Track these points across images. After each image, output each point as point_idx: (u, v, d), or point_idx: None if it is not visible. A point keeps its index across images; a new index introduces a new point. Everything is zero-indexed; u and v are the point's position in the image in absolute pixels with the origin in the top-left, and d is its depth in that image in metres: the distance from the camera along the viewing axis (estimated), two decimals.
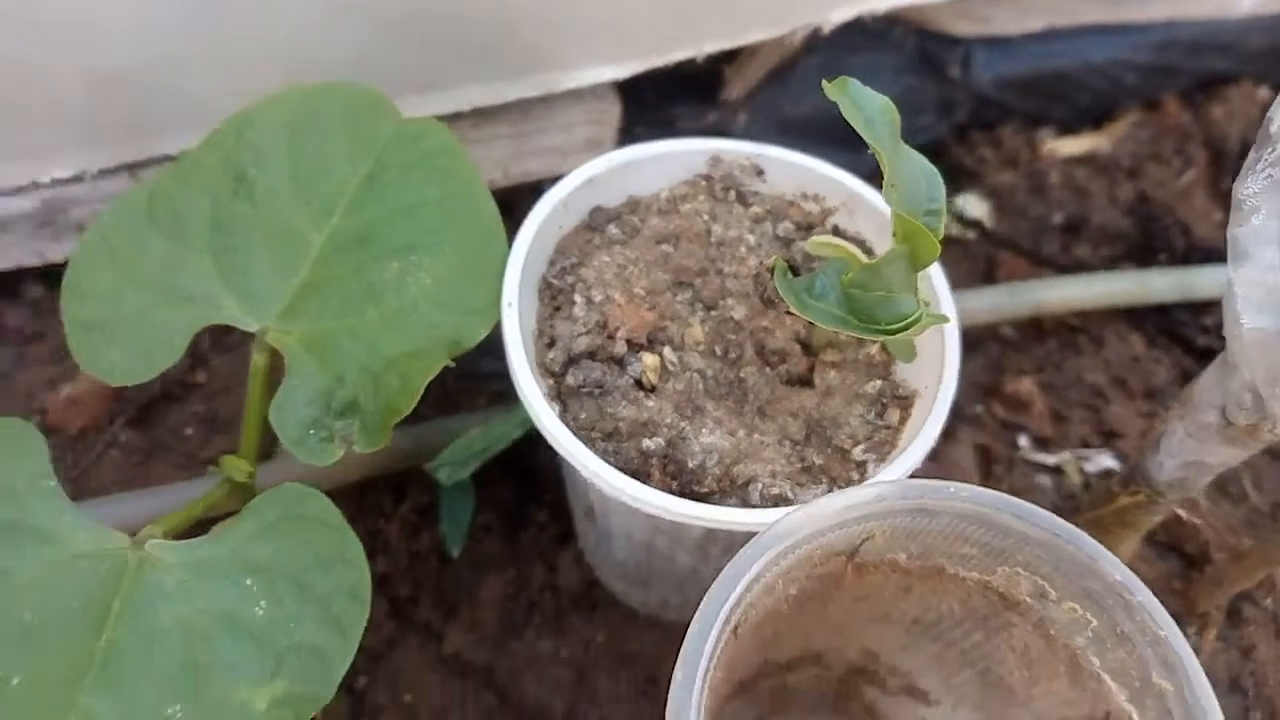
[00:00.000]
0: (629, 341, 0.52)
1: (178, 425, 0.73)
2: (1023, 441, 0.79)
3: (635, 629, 0.69)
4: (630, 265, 0.54)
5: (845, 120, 0.82)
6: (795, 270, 0.54)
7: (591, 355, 0.51)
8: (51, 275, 0.76)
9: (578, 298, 0.53)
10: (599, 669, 0.67)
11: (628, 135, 0.80)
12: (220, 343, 0.77)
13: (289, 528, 0.46)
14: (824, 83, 0.44)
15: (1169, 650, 0.41)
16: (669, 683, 0.68)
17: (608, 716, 0.66)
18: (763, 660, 0.59)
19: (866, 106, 0.44)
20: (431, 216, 0.52)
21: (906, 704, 0.60)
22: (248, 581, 0.44)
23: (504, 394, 0.74)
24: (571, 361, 0.52)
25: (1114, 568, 0.43)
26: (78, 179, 0.67)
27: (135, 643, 0.43)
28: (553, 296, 0.55)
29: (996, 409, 0.80)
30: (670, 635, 0.69)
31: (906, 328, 0.43)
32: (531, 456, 0.73)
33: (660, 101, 0.82)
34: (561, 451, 0.48)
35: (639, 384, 0.51)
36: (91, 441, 0.72)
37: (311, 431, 0.48)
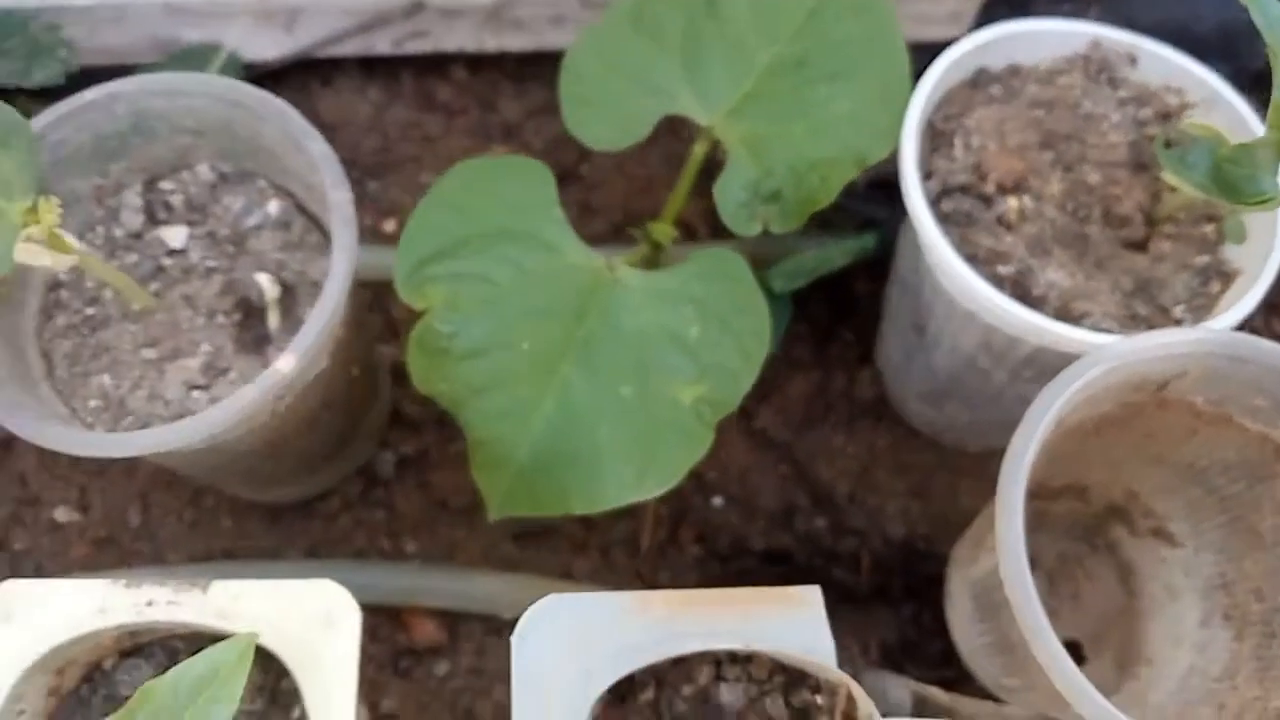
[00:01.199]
0: (998, 184, 0.62)
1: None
2: None
3: (914, 445, 0.81)
4: (1006, 121, 0.64)
5: (1190, 34, 0.88)
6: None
7: (964, 190, 0.62)
8: (476, 62, 0.92)
9: (958, 141, 0.64)
10: (879, 468, 0.80)
11: (986, 14, 0.88)
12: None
13: (718, 277, 0.59)
14: None
15: None
16: (937, 493, 0.80)
17: (883, 505, 0.78)
18: (1038, 482, 0.70)
19: (1271, 13, 0.52)
20: (856, 52, 0.63)
21: (1151, 545, 0.70)
22: (688, 310, 0.58)
23: (833, 223, 0.85)
24: (945, 193, 0.63)
25: None
26: None
27: (604, 336, 0.58)
28: (934, 137, 0.65)
29: (1277, 324, 0.86)
30: (942, 456, 0.80)
31: (1264, 202, 0.51)
32: (850, 284, 0.85)
33: None
34: (936, 257, 0.59)
35: (1000, 220, 0.62)
36: None
37: (743, 209, 0.61)
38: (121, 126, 0.61)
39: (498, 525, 0.75)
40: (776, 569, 0.75)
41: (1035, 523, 0.74)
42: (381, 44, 0.86)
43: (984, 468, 0.80)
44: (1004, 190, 0.62)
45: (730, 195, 0.61)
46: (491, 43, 0.87)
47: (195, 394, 0.58)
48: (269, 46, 0.85)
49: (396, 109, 0.89)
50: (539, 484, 0.57)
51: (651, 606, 0.51)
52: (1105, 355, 0.52)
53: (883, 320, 0.80)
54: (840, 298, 0.85)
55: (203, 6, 0.81)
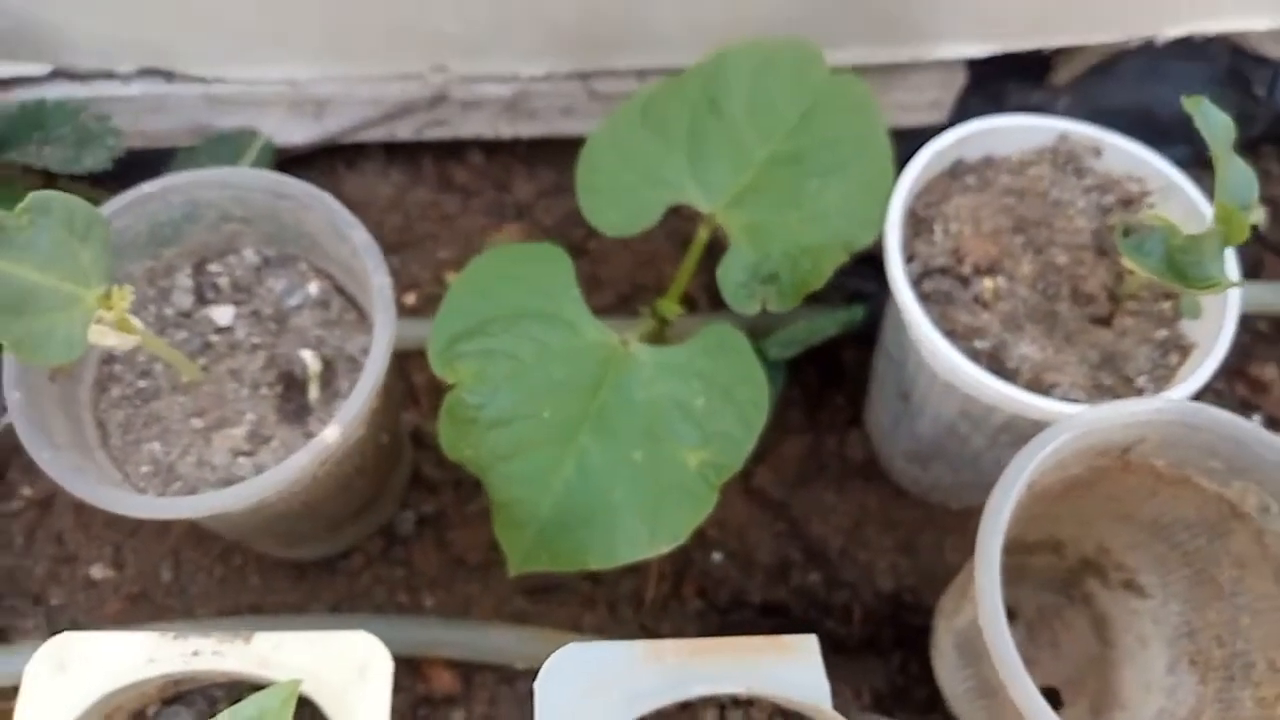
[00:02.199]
0: (975, 266, 0.68)
1: None
2: (1256, 419, 0.91)
3: (902, 503, 0.86)
4: (981, 208, 0.71)
5: (1154, 118, 0.95)
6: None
7: (944, 271, 0.68)
8: (491, 147, 0.99)
9: (937, 227, 0.70)
10: (869, 524, 0.85)
11: (962, 104, 0.95)
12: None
13: (722, 352, 0.65)
14: (1184, 99, 0.58)
15: None
16: (923, 548, 0.85)
17: (873, 560, 0.84)
18: (1015, 538, 0.75)
19: (1213, 121, 0.58)
20: (845, 149, 0.69)
21: (1122, 596, 0.75)
22: (694, 382, 0.64)
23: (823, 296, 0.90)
24: (926, 274, 0.69)
25: None
26: (545, 79, 0.88)
27: (618, 406, 0.63)
28: (916, 223, 0.71)
29: (1239, 388, 0.92)
30: (930, 514, 0.86)
31: (1211, 286, 0.58)
32: (839, 352, 0.90)
33: (995, 77, 0.96)
34: (918, 333, 0.65)
35: (977, 299, 0.68)
36: None
37: (742, 289, 0.67)
38: (175, 215, 0.67)
39: (510, 581, 0.80)
40: (773, 620, 0.80)
41: (1015, 576, 0.79)
42: (404, 131, 0.92)
43: (966, 524, 0.85)
44: (980, 271, 0.68)
45: (731, 277, 0.67)
46: (507, 130, 0.93)
47: (241, 460, 0.63)
48: (299, 132, 0.92)
49: (417, 190, 0.96)
50: (558, 542, 0.62)
51: (662, 654, 0.56)
52: (1073, 424, 0.58)
53: (870, 386, 0.86)
54: (831, 365, 0.91)
55: (240, 97, 0.87)
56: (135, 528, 0.81)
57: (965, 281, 0.68)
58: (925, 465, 0.80)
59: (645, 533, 0.61)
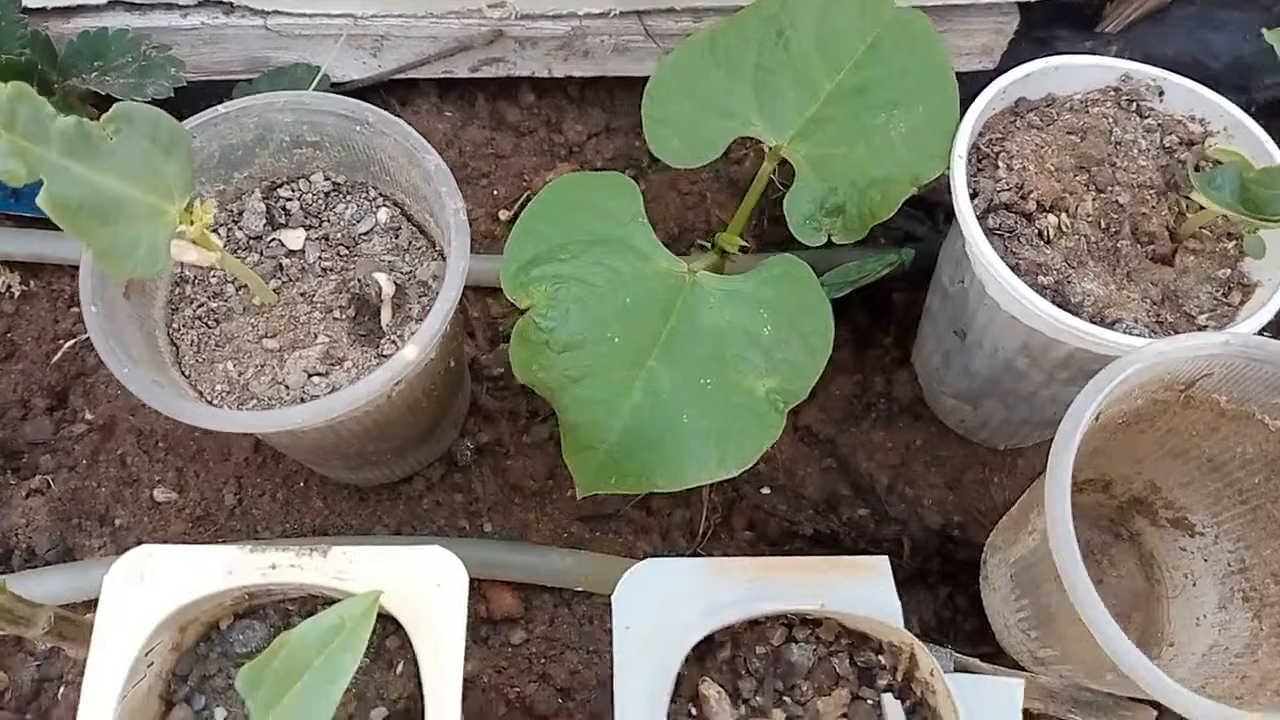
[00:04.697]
0: (1038, 203, 0.69)
1: None
2: None
3: (947, 442, 0.87)
4: (1045, 146, 0.71)
5: (1205, 66, 0.94)
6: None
7: (1008, 207, 0.69)
8: (542, 86, 0.99)
9: (1001, 163, 0.70)
10: (916, 462, 0.86)
11: (1013, 52, 0.95)
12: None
13: (787, 282, 0.66)
14: (1264, 30, 0.58)
15: None
16: (969, 486, 0.86)
17: (920, 497, 0.85)
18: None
19: None
20: (911, 82, 0.70)
21: (1171, 534, 0.76)
22: (761, 311, 0.65)
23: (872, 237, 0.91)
24: (990, 210, 0.69)
25: None
26: (602, 15, 0.88)
27: (686, 333, 0.64)
28: (979, 159, 0.72)
29: None
30: (976, 453, 0.87)
31: None
32: (888, 293, 0.91)
33: (1046, 23, 0.96)
34: (985, 267, 0.65)
35: (1041, 235, 0.68)
36: None
37: (809, 221, 0.68)
38: (247, 138, 0.68)
39: (567, 508, 0.81)
40: (823, 552, 0.81)
41: None
42: (460, 68, 0.92)
43: (1012, 464, 0.86)
44: (1043, 208, 0.69)
45: (798, 209, 0.68)
46: (560, 70, 0.93)
47: (315, 380, 0.64)
48: (355, 68, 0.92)
49: (470, 129, 0.96)
50: (626, 465, 0.63)
51: (737, 571, 0.57)
52: (1143, 354, 0.59)
53: (920, 326, 0.87)
54: (879, 306, 0.91)
55: (298, 31, 0.88)
56: (196, 452, 0.83)
57: (1029, 218, 0.69)
58: (976, 403, 0.81)
59: (714, 456, 0.62)
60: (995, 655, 0.75)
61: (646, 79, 0.71)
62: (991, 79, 0.72)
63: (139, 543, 0.80)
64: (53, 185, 0.50)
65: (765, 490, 0.84)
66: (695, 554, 0.81)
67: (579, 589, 0.77)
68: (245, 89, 0.90)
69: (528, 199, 0.94)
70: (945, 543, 0.82)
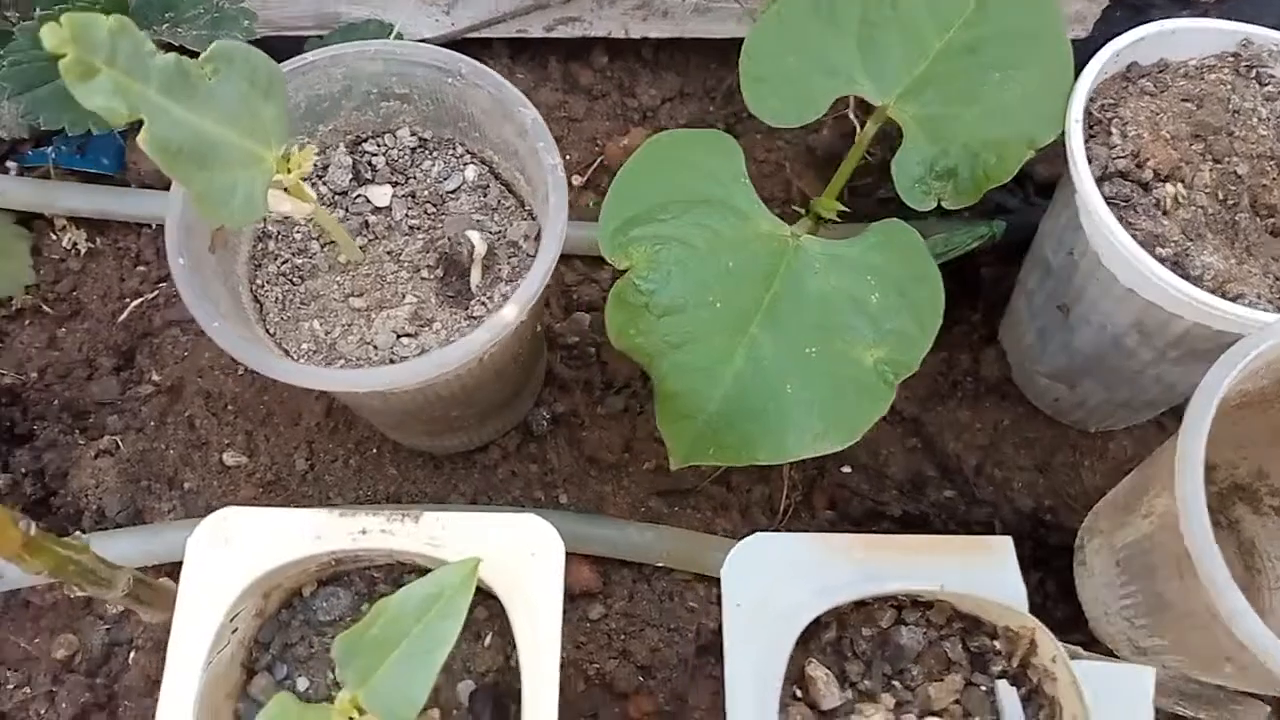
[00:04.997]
0: (1155, 171, 0.66)
1: None
2: None
3: (1037, 423, 0.84)
4: (1160, 114, 0.68)
5: None
6: None
7: (1123, 175, 0.66)
8: (615, 48, 0.96)
9: (1115, 129, 0.67)
10: (1004, 443, 0.84)
11: (1106, 21, 0.91)
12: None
13: (895, 248, 0.63)
14: None
15: None
16: (1060, 469, 0.83)
17: (1009, 479, 0.82)
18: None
19: None
20: (1024, 43, 0.67)
21: (1275, 522, 0.73)
22: (868, 278, 0.62)
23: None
24: (1105, 178, 0.66)
25: None
26: None
27: (790, 299, 0.62)
28: (1090, 125, 0.69)
29: None
30: (1066, 436, 0.84)
31: None
32: (975, 269, 0.88)
33: None
34: (1103, 236, 0.62)
35: (1158, 205, 0.65)
36: None
37: (918, 185, 0.65)
38: (335, 89, 0.65)
39: (643, 482, 0.79)
40: (912, 534, 0.78)
41: None
42: (534, 27, 0.90)
43: (1103, 447, 0.83)
44: (1160, 177, 0.66)
45: (907, 171, 0.65)
46: (637, 30, 0.91)
47: (404, 340, 0.62)
48: (427, 26, 0.89)
49: (543, 91, 0.94)
50: (726, 435, 0.61)
51: (851, 549, 0.54)
52: (1276, 329, 0.56)
53: (1012, 301, 0.83)
54: (966, 280, 0.88)
55: None
56: (266, 415, 0.81)
57: (1145, 187, 0.66)
58: (1074, 383, 0.78)
59: (818, 428, 0.60)
60: (1089, 644, 0.73)
61: (724, 41, 0.68)
62: (1085, 47, 0.69)
63: (209, 507, 0.78)
64: (153, 126, 0.48)
65: (846, 469, 0.82)
66: (774, 532, 0.78)
67: (659, 564, 0.74)
68: (316, 44, 0.87)
69: (601, 164, 0.92)
70: (1037, 526, 0.79)
